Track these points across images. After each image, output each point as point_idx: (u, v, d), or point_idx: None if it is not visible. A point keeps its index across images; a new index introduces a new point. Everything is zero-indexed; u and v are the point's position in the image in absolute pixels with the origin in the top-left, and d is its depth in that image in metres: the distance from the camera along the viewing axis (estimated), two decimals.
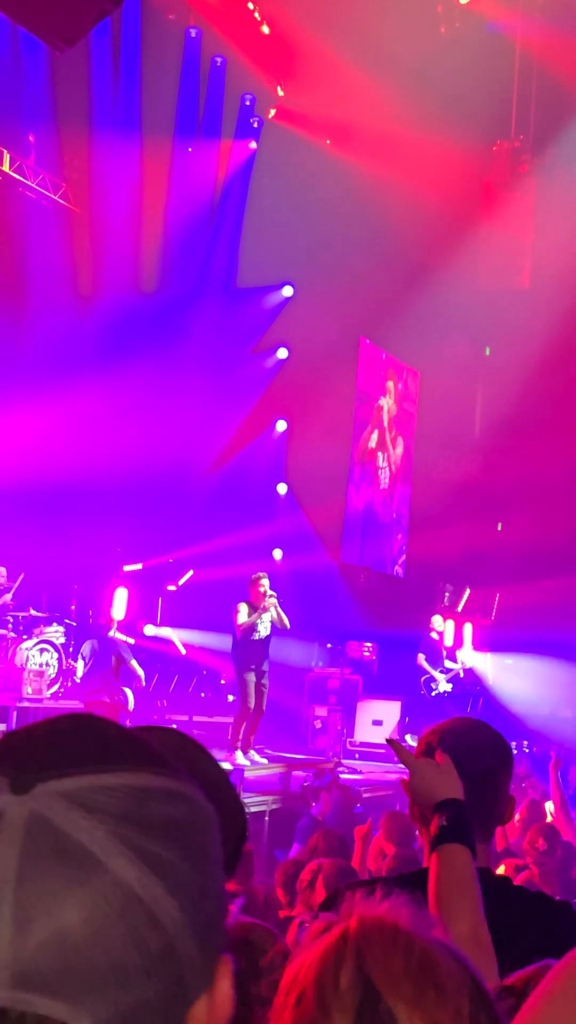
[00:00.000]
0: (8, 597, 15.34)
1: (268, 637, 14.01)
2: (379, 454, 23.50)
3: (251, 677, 13.89)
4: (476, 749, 2.81)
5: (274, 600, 13.87)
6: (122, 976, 0.80)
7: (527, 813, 9.74)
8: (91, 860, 0.82)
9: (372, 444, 23.20)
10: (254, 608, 13.84)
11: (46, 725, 0.94)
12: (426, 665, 18.59)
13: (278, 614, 13.87)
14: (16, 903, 0.80)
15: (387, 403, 23.62)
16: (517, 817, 9.32)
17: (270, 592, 13.88)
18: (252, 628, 13.79)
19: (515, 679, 21.34)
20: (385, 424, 23.59)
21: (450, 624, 23.00)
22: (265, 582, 13.91)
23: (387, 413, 23.64)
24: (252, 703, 13.91)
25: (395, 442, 24.03)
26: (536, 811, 10.04)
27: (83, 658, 14.72)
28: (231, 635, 14.15)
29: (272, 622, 13.93)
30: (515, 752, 16.79)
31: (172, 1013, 0.84)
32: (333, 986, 1.29)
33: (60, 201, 18.61)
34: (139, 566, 18.67)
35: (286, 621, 14.01)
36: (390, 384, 23.66)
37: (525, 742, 18.45)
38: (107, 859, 0.82)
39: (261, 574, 14.11)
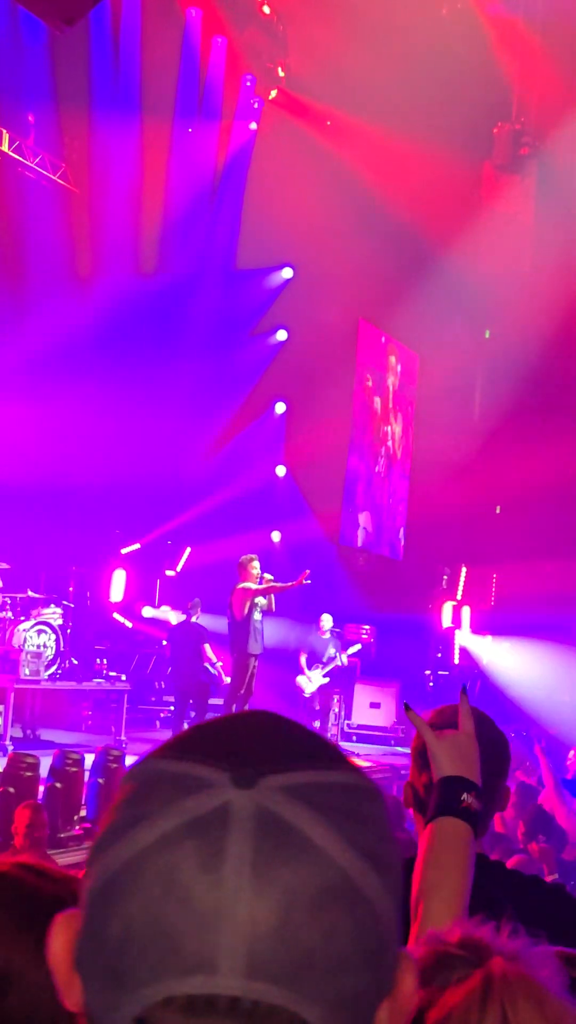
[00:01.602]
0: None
1: (262, 620, 14.07)
2: (380, 425, 23.51)
3: (252, 661, 13.95)
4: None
5: (271, 581, 13.91)
6: (346, 965, 0.82)
7: (517, 797, 9.74)
8: (318, 853, 0.83)
9: (375, 415, 23.23)
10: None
11: (240, 720, 0.96)
12: (303, 666, 17.81)
13: (269, 597, 13.95)
14: (251, 894, 0.81)
15: (390, 379, 23.63)
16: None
17: (267, 576, 13.91)
18: (253, 608, 13.84)
19: (512, 663, 21.37)
20: (384, 402, 23.60)
21: (448, 607, 23.06)
22: (256, 564, 13.95)
23: (388, 389, 23.65)
24: (245, 686, 13.97)
25: (395, 417, 24.03)
26: (526, 794, 10.05)
27: None
28: (227, 618, 14.17)
29: (262, 607, 14.00)
30: (512, 736, 16.80)
31: (374, 1007, 0.86)
32: None
33: (60, 182, 18.55)
34: (137, 546, 18.69)
35: (272, 604, 14.11)
36: (392, 359, 23.66)
37: (526, 732, 18.46)
38: (333, 852, 0.84)
39: (251, 556, 14.15)
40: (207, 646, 15.52)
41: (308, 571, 14.57)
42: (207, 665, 15.54)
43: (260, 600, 13.95)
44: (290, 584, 14.22)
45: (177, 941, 0.81)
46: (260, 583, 13.86)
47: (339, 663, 17.75)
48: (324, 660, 17.57)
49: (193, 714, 15.42)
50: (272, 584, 13.99)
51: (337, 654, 17.70)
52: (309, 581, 14.35)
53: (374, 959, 0.85)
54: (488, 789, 2.80)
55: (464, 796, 2.45)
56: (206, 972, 0.80)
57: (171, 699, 16.84)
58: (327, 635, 17.95)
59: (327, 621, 17.95)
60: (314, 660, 17.68)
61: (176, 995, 0.80)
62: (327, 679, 17.65)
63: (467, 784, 2.48)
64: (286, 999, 0.81)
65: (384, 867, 0.87)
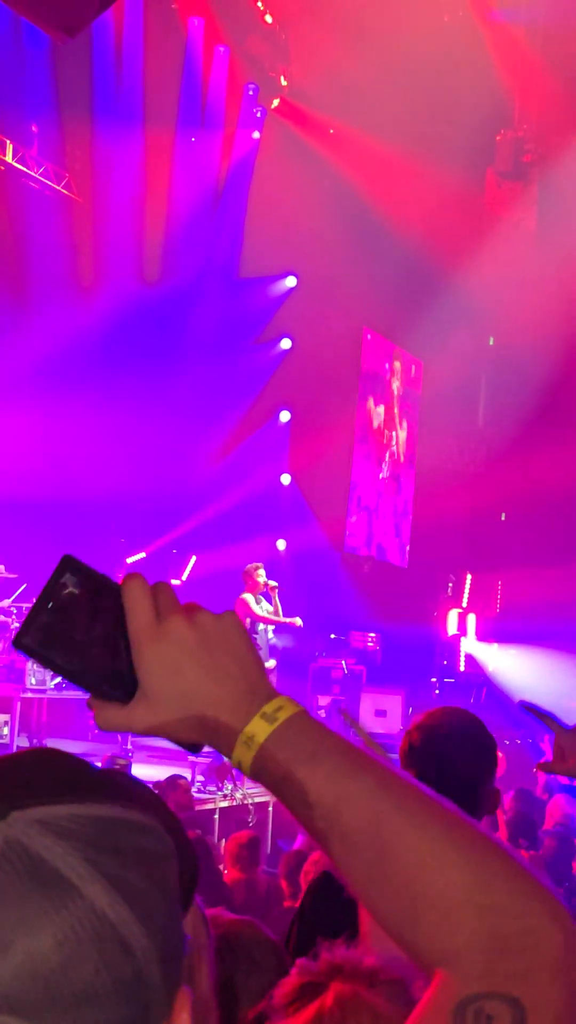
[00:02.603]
0: (8, 602, 15.34)
1: (264, 630, 14.02)
2: (385, 432, 23.50)
3: None
4: (462, 749, 2.81)
5: (275, 590, 13.89)
6: (94, 1000, 0.81)
7: (515, 802, 9.73)
8: (66, 885, 0.83)
9: (379, 423, 23.21)
10: (255, 600, 13.85)
11: (11, 758, 0.95)
12: None
13: (275, 605, 13.90)
14: None
15: (394, 385, 23.63)
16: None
17: (272, 583, 13.88)
18: (255, 620, 13.81)
19: (518, 670, 21.35)
20: (388, 408, 23.59)
21: (454, 614, 23.05)
22: (262, 572, 13.92)
23: (391, 394, 23.65)
24: None
25: (399, 423, 24.03)
26: (524, 800, 10.03)
27: None
28: None
29: (267, 613, 13.96)
30: (518, 744, 16.69)
31: None
32: None
33: (63, 191, 18.59)
34: (142, 555, 18.68)
35: (280, 613, 14.05)
36: (397, 365, 23.66)
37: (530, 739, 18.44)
38: (81, 885, 0.83)
39: (257, 564, 14.12)
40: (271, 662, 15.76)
41: (300, 621, 14.56)
42: None
43: (265, 608, 13.90)
44: (283, 620, 14.17)
45: None
46: (266, 591, 13.82)
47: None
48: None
49: None
50: (265, 616, 13.94)
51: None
52: (300, 625, 14.33)
53: (127, 993, 0.83)
54: (477, 792, 2.80)
55: None
56: None
57: None
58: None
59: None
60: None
61: None
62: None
63: None
64: None
65: (142, 901, 0.86)
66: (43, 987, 0.80)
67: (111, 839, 0.86)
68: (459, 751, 2.80)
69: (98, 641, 1.17)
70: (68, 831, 0.85)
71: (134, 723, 1.19)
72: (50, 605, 1.17)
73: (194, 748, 1.24)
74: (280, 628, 14.85)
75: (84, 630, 1.17)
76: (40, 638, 1.16)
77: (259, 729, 1.19)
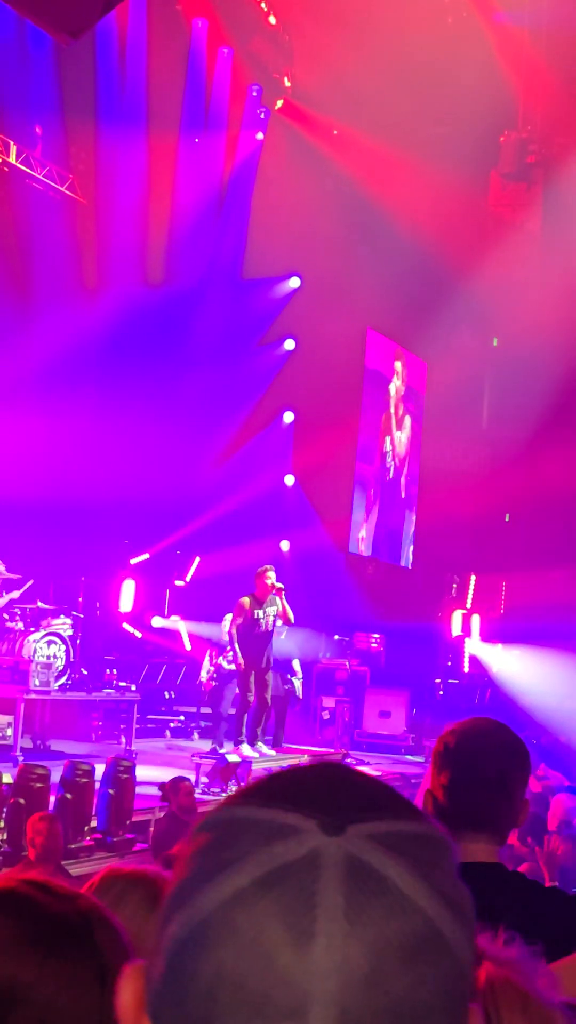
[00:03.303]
0: (16, 594, 15.36)
1: (271, 631, 13.97)
2: (386, 438, 23.51)
3: (251, 671, 13.87)
4: (492, 752, 2.82)
5: (282, 592, 13.84)
6: (432, 1017, 0.81)
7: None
8: (406, 902, 0.82)
9: (383, 423, 23.22)
10: (259, 602, 13.80)
11: (315, 771, 0.94)
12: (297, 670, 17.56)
13: (284, 607, 13.84)
14: (343, 941, 0.80)
15: (395, 384, 23.62)
16: None
17: (279, 584, 13.84)
18: (255, 622, 13.76)
19: (522, 671, 21.34)
20: (392, 408, 23.59)
21: (458, 615, 23.04)
22: (272, 574, 13.87)
23: (395, 394, 23.65)
24: (252, 696, 13.90)
25: (401, 423, 24.02)
26: (532, 800, 10.02)
27: None
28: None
29: (276, 615, 13.90)
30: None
31: None
32: None
33: (67, 193, 18.60)
34: (146, 556, 18.70)
35: (291, 615, 13.98)
36: (398, 365, 23.65)
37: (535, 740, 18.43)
38: (420, 901, 0.83)
39: (267, 566, 14.07)
40: (296, 661, 15.75)
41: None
42: (290, 676, 15.73)
43: (276, 610, 13.86)
44: (235, 651, 14.16)
45: (268, 990, 0.80)
46: (273, 592, 13.79)
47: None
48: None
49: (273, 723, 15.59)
50: (231, 633, 13.95)
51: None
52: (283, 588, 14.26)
53: (455, 1009, 0.83)
54: (511, 798, 2.81)
55: None
56: (296, 1019, 0.79)
57: (182, 709, 16.84)
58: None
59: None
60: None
61: None
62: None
63: None
64: None
65: (464, 916, 0.86)
66: (388, 1003, 0.80)
67: (431, 854, 0.86)
68: (494, 754, 2.81)
69: None
70: (399, 847, 0.84)
71: None
72: None
73: None
74: (290, 627, 14.84)
75: None
76: None
77: None
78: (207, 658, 16.35)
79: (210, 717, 16.03)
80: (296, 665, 16.08)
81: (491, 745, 2.82)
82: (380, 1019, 0.79)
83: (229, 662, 15.78)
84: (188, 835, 0.90)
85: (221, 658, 16.03)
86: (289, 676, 15.89)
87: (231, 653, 14.90)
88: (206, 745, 15.19)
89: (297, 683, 16.07)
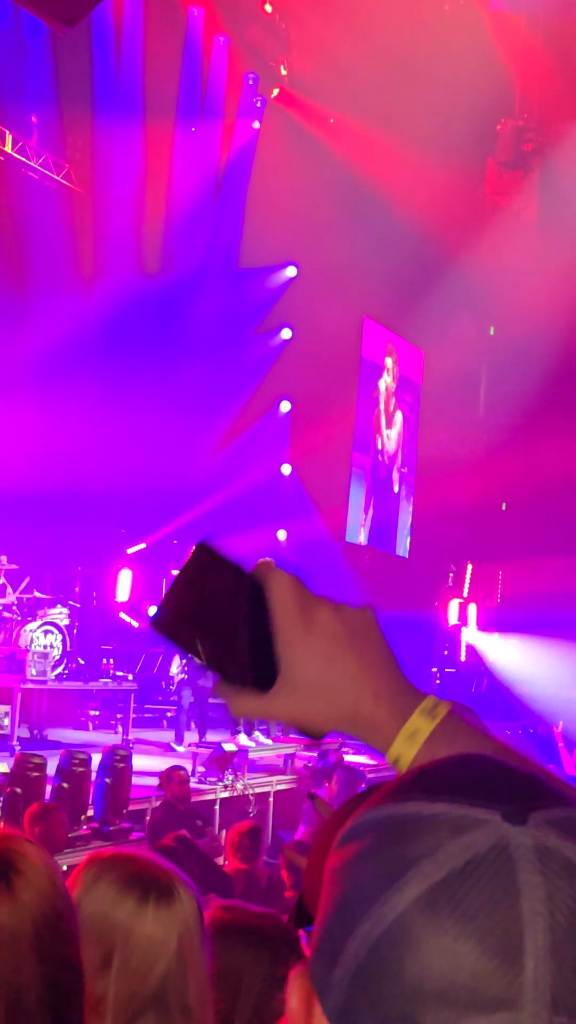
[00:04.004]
0: (12, 597, 15.35)
1: None
2: (385, 422, 23.50)
3: None
4: None
5: None
6: None
7: None
8: None
9: (379, 412, 23.20)
10: None
11: (464, 763, 0.94)
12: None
13: None
14: (550, 928, 0.80)
15: (385, 380, 23.61)
16: None
17: None
18: None
19: (519, 659, 21.36)
20: (381, 405, 23.58)
21: (454, 604, 23.06)
22: None
23: (385, 391, 23.63)
24: None
25: (391, 420, 24.00)
26: None
27: None
28: None
29: None
30: (519, 733, 16.72)
31: None
32: None
33: (63, 182, 18.57)
34: (142, 545, 18.69)
35: None
36: (388, 361, 23.64)
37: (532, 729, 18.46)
38: None
39: (269, 560, 14.07)
40: None
41: None
42: None
43: None
44: None
45: (479, 981, 0.79)
46: None
47: None
48: None
49: None
50: None
51: None
52: None
53: None
54: None
55: None
56: (509, 1009, 0.78)
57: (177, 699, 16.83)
58: None
59: None
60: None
61: None
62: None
63: None
64: None
65: None
66: None
67: None
68: None
69: (235, 629, 1.17)
70: (572, 831, 0.84)
71: (274, 711, 1.20)
72: (187, 590, 1.18)
73: (319, 736, 1.23)
74: None
75: (221, 617, 1.18)
76: (177, 622, 1.18)
77: (422, 725, 1.19)
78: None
79: (176, 709, 15.97)
80: None
81: None
82: None
83: None
84: (335, 844, 0.89)
85: None
86: None
87: None
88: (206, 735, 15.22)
89: None
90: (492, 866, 0.81)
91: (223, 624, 1.17)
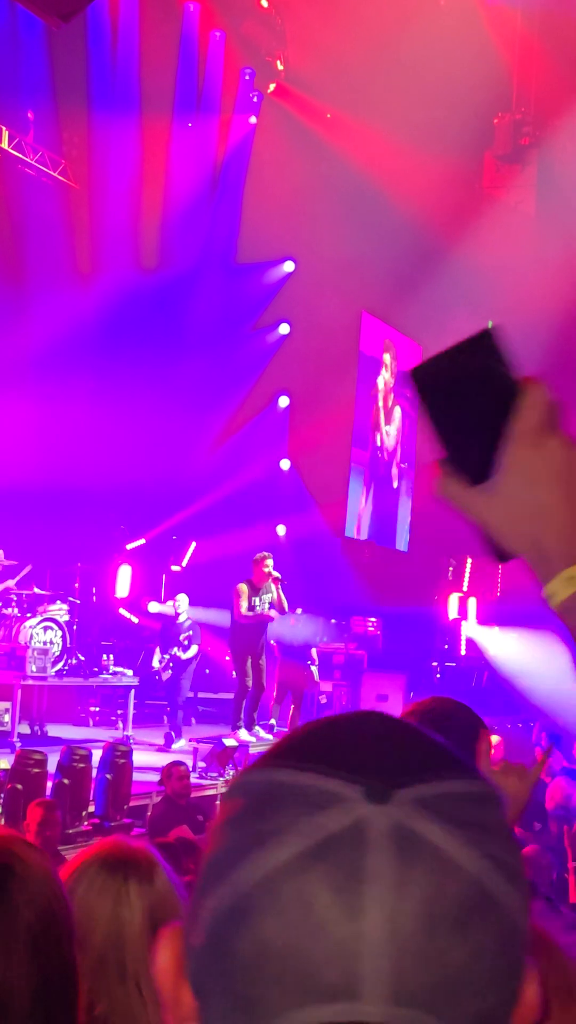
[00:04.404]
0: (12, 583, 15.36)
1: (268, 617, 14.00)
2: (384, 416, 23.48)
3: (248, 657, 13.90)
4: (453, 733, 2.82)
5: (279, 582, 13.85)
6: (489, 988, 0.79)
7: None
8: (458, 871, 0.80)
9: (378, 406, 23.17)
10: (255, 589, 13.81)
11: (356, 724, 0.90)
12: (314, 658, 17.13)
13: (279, 596, 13.85)
14: (394, 916, 0.77)
15: (383, 377, 23.59)
16: None
17: (275, 574, 13.86)
18: (250, 608, 13.78)
19: (519, 653, 21.35)
20: (380, 400, 23.56)
21: (454, 598, 23.03)
22: (270, 562, 13.88)
23: (383, 387, 23.61)
24: (250, 681, 13.92)
25: (390, 416, 23.98)
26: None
27: None
28: (230, 612, 14.13)
29: (271, 603, 13.91)
30: (519, 727, 16.71)
31: (510, 1020, 0.83)
32: None
33: (59, 178, 18.55)
34: (142, 541, 18.69)
35: (286, 604, 14.01)
36: (386, 357, 23.62)
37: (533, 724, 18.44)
38: (471, 868, 0.80)
39: (265, 554, 14.08)
40: (314, 648, 15.97)
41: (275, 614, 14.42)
42: (308, 663, 15.85)
43: (271, 597, 13.89)
44: (255, 614, 14.06)
45: (316, 967, 0.77)
46: (270, 580, 13.81)
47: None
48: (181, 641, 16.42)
49: (292, 707, 15.70)
50: (243, 613, 13.87)
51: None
52: (273, 617, 14.19)
53: (513, 976, 0.81)
54: None
55: None
56: (348, 999, 0.77)
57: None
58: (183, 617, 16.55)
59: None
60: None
61: (319, 1023, 0.77)
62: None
63: None
64: None
65: (517, 877, 0.83)
66: (444, 978, 0.78)
67: (483, 816, 0.83)
68: (450, 735, 2.80)
69: (478, 416, 1.20)
70: (447, 812, 0.81)
71: (474, 507, 1.26)
72: (456, 360, 1.19)
73: (504, 558, 1.27)
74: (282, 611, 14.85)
75: (471, 399, 1.19)
76: (431, 382, 1.19)
77: None
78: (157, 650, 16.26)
79: (168, 706, 15.92)
80: (313, 652, 16.18)
81: (445, 727, 2.82)
82: (437, 993, 0.78)
83: (184, 650, 15.82)
84: (222, 798, 0.88)
85: (176, 648, 16.01)
86: (307, 663, 15.98)
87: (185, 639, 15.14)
88: (204, 730, 15.21)
89: (314, 669, 16.16)
90: (341, 849, 0.79)
91: (471, 407, 1.20)
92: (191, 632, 16.05)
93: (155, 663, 16.16)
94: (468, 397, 1.19)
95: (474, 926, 0.79)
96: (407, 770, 0.83)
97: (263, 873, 0.79)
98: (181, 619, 16.07)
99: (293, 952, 0.78)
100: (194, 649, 16.05)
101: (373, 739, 0.87)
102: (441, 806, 0.82)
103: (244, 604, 13.75)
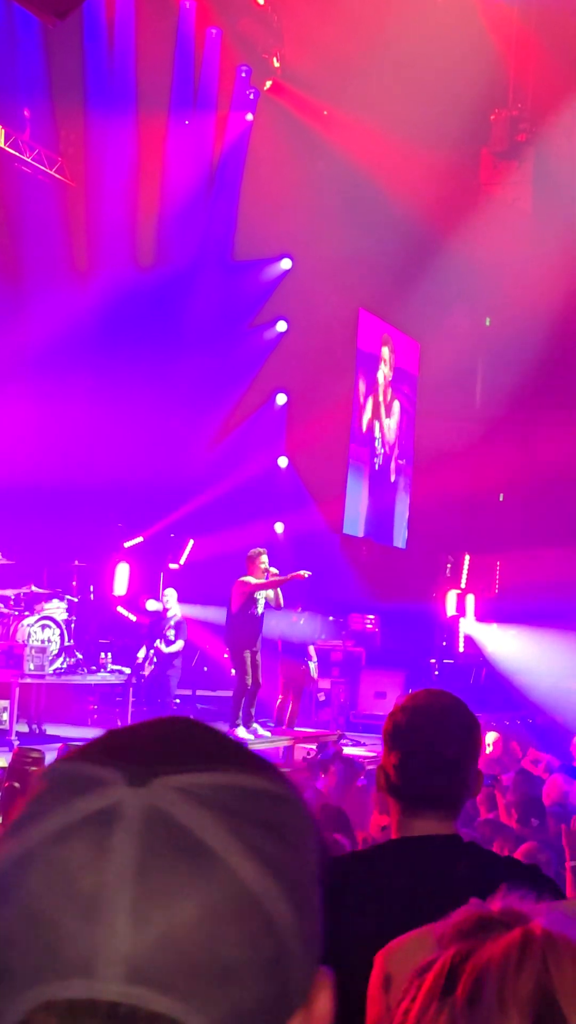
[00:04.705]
0: (11, 593, 15.37)
1: (263, 614, 14.01)
2: (375, 423, 23.46)
3: (248, 653, 13.90)
4: (440, 729, 2.82)
5: (275, 574, 13.86)
6: (235, 976, 0.79)
7: (516, 784, 9.72)
8: (210, 856, 0.80)
9: (368, 415, 23.14)
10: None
11: (152, 724, 0.93)
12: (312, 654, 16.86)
13: (276, 593, 13.87)
14: (135, 896, 0.78)
15: (383, 371, 23.58)
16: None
17: (273, 570, 13.86)
18: (252, 604, 13.78)
19: (517, 650, 21.36)
20: (380, 395, 23.55)
21: (452, 595, 23.04)
22: (265, 558, 13.88)
23: (383, 381, 23.60)
24: (250, 679, 13.93)
25: (390, 409, 23.97)
26: (526, 782, 10.01)
27: None
28: (227, 610, 14.12)
29: (266, 600, 13.93)
30: (518, 724, 16.72)
31: (275, 1020, 0.82)
32: (514, 991, 1.28)
33: (56, 176, 18.53)
34: (139, 539, 18.69)
35: (281, 601, 14.04)
36: (385, 351, 23.61)
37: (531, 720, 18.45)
38: (226, 856, 0.81)
39: (260, 550, 14.08)
40: (311, 646, 15.98)
41: (306, 572, 14.43)
42: (306, 660, 15.95)
43: (267, 593, 13.90)
44: (287, 578, 14.12)
45: (58, 943, 0.78)
46: (266, 578, 13.81)
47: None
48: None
49: (291, 704, 15.66)
50: (270, 580, 13.90)
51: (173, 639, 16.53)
52: (308, 574, 14.27)
53: (271, 971, 0.81)
54: (462, 771, 2.82)
55: None
56: (84, 976, 0.78)
57: (177, 692, 16.85)
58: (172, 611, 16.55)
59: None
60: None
61: (56, 999, 0.78)
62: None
63: None
64: (168, 1007, 0.78)
65: (286, 875, 0.83)
66: (183, 961, 0.78)
67: (256, 810, 0.84)
68: (444, 730, 2.81)
69: None
70: (212, 800, 0.82)
71: None
72: None
73: None
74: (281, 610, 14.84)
75: None
76: None
77: None
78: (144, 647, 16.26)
79: (160, 704, 15.90)
80: (311, 650, 16.22)
81: (439, 722, 2.83)
82: (174, 977, 0.78)
83: (168, 644, 15.79)
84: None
85: (159, 641, 15.99)
86: (305, 660, 16.01)
87: (172, 632, 15.08)
88: None
89: (312, 666, 16.19)
90: (92, 830, 0.80)
91: None
92: (177, 627, 16.07)
93: (139, 657, 16.15)
94: None
95: (219, 916, 0.79)
96: (177, 761, 0.85)
97: (20, 851, 0.82)
98: (170, 613, 16.07)
99: (38, 928, 0.79)
100: (179, 644, 16.04)
101: (159, 736, 0.90)
102: (209, 795, 0.83)
103: (255, 582, 13.72)
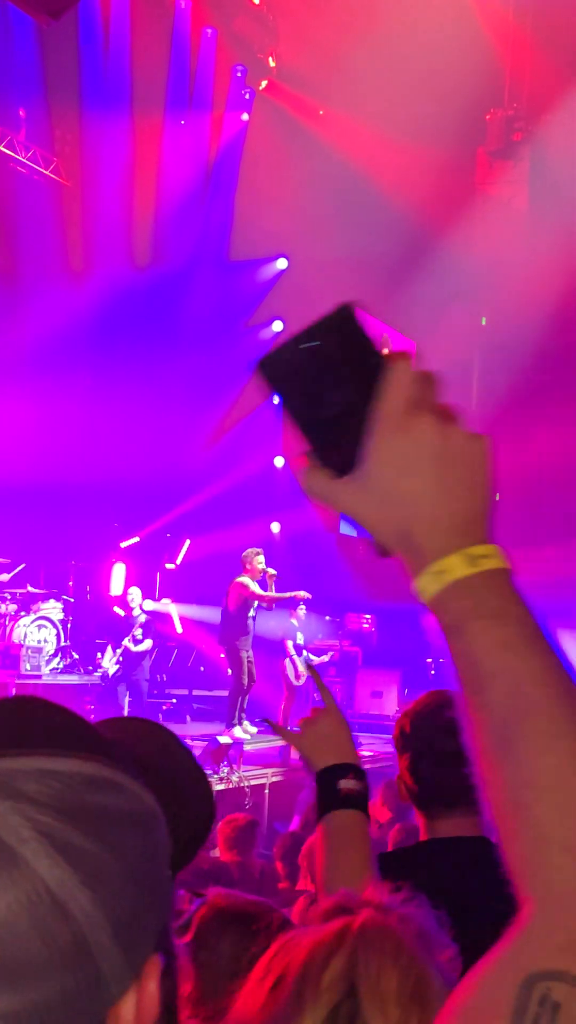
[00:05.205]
0: (6, 577, 15.35)
1: (255, 615, 14.02)
2: None
3: (244, 653, 13.90)
4: (445, 727, 2.82)
5: (274, 577, 13.86)
6: (30, 969, 0.76)
7: None
8: (4, 848, 0.78)
9: None
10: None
11: (12, 708, 0.92)
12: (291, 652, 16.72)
13: (274, 594, 13.89)
14: None
15: None
16: None
17: (271, 571, 13.85)
18: (248, 605, 13.78)
19: None
20: None
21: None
22: (261, 559, 13.88)
23: None
24: (246, 678, 13.94)
25: None
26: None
27: None
28: (222, 609, 14.11)
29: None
30: None
31: (88, 1010, 0.79)
32: (315, 980, 1.27)
33: (52, 176, 18.53)
34: (136, 539, 18.68)
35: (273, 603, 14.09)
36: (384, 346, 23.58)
37: None
38: (18, 846, 0.78)
39: (256, 550, 14.07)
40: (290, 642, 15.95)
41: (306, 593, 14.49)
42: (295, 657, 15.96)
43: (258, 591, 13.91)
44: (288, 595, 14.16)
45: None
46: (263, 578, 13.79)
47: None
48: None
49: (284, 702, 15.68)
50: (269, 595, 13.87)
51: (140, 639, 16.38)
52: (308, 596, 14.32)
53: (68, 961, 0.78)
54: (471, 766, 2.82)
55: (340, 783, 2.38)
56: None
57: (174, 691, 16.84)
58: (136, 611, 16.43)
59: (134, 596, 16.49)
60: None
61: None
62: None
63: (340, 769, 2.42)
64: None
65: (90, 862, 0.81)
66: None
67: (64, 796, 0.81)
68: (444, 726, 2.81)
69: (338, 402, 1.10)
70: (14, 787, 0.80)
71: (339, 499, 1.15)
72: (310, 343, 1.12)
73: (384, 553, 1.18)
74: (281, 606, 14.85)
75: (330, 385, 1.11)
76: (282, 371, 1.12)
77: (456, 566, 1.15)
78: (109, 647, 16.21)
79: (132, 705, 15.85)
80: (289, 645, 16.19)
81: (443, 720, 2.82)
82: None
83: (136, 643, 15.74)
84: None
85: (128, 640, 15.94)
86: (282, 657, 15.98)
87: (139, 631, 15.09)
88: (199, 728, 15.20)
89: (289, 663, 16.16)
90: None
91: (330, 392, 1.10)
92: (145, 626, 16.00)
93: (105, 661, 15.97)
94: (326, 382, 1.10)
95: (11, 908, 0.77)
96: (8, 743, 0.84)
97: None
98: (135, 612, 15.99)
99: None
100: (147, 643, 15.96)
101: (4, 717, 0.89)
102: (14, 783, 0.81)
103: (257, 591, 13.72)
